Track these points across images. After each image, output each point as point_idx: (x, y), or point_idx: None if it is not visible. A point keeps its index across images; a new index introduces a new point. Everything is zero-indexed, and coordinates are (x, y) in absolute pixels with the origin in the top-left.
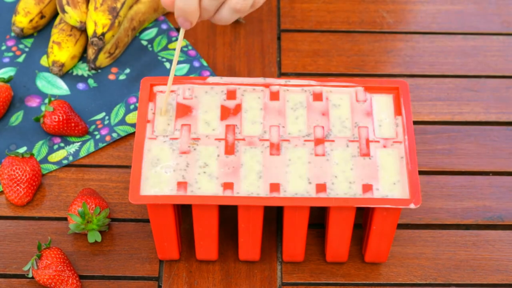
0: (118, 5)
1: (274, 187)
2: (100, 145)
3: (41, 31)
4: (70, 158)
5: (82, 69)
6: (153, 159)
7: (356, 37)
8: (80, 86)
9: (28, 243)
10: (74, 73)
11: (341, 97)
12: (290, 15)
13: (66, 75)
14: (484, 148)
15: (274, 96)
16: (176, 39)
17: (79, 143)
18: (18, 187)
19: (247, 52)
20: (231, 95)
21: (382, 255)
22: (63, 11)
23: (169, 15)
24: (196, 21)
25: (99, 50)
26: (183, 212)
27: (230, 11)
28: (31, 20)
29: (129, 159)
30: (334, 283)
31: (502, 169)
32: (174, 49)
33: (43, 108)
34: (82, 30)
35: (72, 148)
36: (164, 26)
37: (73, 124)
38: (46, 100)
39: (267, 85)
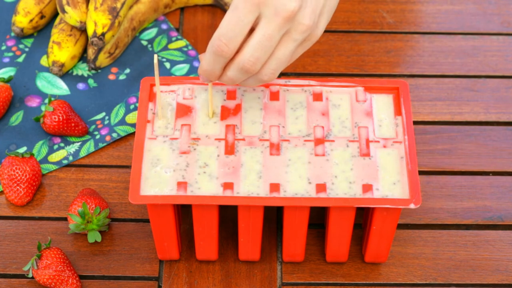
0: (118, 5)
1: (274, 187)
2: (100, 145)
3: (41, 31)
4: (70, 158)
5: (82, 69)
6: (153, 159)
7: (356, 37)
8: (80, 86)
9: (28, 243)
10: (74, 73)
11: (341, 97)
12: None
13: (66, 75)
14: (484, 148)
15: (274, 96)
16: (176, 39)
17: (79, 143)
18: (18, 187)
19: None
20: (231, 95)
21: (382, 255)
22: (63, 11)
23: (169, 15)
24: (216, 80)
25: (99, 50)
26: (183, 212)
27: (257, 81)
28: (31, 20)
29: (129, 159)
30: (334, 283)
31: (502, 169)
32: (174, 49)
33: (43, 108)
34: (82, 30)
35: (72, 148)
36: (164, 26)
37: (73, 124)
38: (46, 100)
39: (267, 85)
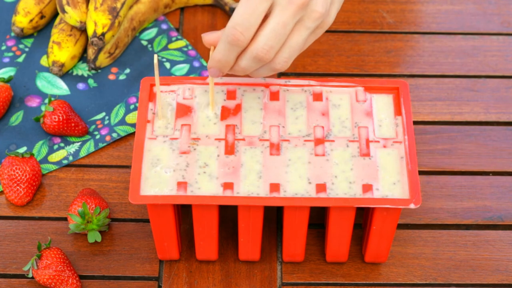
0: (118, 5)
1: (274, 187)
2: (100, 145)
3: (41, 31)
4: (70, 158)
5: (82, 69)
6: (153, 159)
7: (356, 37)
8: (80, 86)
9: (28, 243)
10: (74, 73)
11: (341, 97)
12: None
13: (66, 75)
14: (484, 148)
15: (274, 96)
16: (176, 39)
17: (79, 143)
18: (18, 187)
19: None
20: (231, 95)
21: (382, 255)
22: (63, 11)
23: (169, 15)
24: (226, 72)
25: (99, 50)
26: (183, 212)
27: (270, 70)
28: (31, 20)
29: (129, 159)
30: (334, 283)
31: (502, 169)
32: (174, 49)
33: (43, 108)
34: (82, 30)
35: (72, 148)
36: (164, 26)
37: (73, 124)
38: (46, 100)
39: (267, 85)
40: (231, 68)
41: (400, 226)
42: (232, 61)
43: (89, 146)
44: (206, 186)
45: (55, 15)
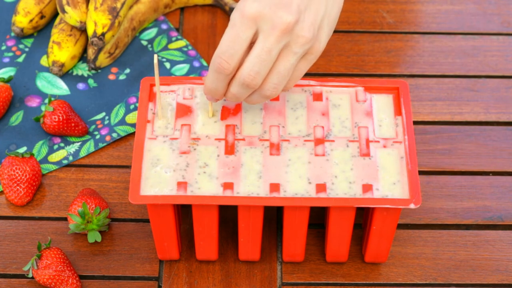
0: (118, 5)
1: (274, 187)
2: (100, 145)
3: (41, 31)
4: (70, 158)
5: (82, 69)
6: (153, 159)
7: (356, 37)
8: (80, 86)
9: (28, 243)
10: (74, 73)
11: (341, 97)
12: None
13: (66, 75)
14: (484, 148)
15: None
16: (176, 39)
17: (79, 143)
18: (18, 187)
19: None
20: None
21: (382, 255)
22: (63, 11)
23: (169, 15)
24: (221, 98)
25: (99, 50)
26: (183, 212)
27: (261, 97)
28: (31, 20)
29: (129, 159)
30: (334, 283)
31: (502, 169)
32: (174, 49)
33: (43, 108)
34: (82, 30)
35: (72, 148)
36: (164, 26)
37: (73, 124)
38: (46, 100)
39: None
40: (225, 95)
41: (400, 226)
42: (222, 89)
43: (89, 146)
44: (206, 186)
45: (55, 15)
